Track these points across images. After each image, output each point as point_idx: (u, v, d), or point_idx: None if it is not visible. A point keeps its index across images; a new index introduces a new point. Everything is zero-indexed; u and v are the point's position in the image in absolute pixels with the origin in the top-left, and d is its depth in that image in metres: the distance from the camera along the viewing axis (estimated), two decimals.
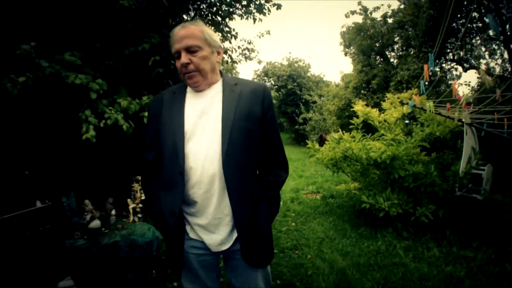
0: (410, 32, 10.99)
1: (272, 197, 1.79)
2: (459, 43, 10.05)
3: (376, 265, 3.83)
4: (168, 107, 1.70)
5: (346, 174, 6.08)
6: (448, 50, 10.70)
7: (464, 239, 4.44)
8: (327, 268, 3.70)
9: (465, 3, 8.79)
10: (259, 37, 5.85)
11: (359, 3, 13.24)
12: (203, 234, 1.67)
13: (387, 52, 13.23)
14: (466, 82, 12.30)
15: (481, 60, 10.86)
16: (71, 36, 3.29)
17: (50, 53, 3.00)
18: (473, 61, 11.17)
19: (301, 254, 4.19)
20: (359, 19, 15.10)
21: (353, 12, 13.35)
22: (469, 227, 4.64)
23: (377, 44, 13.00)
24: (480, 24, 9.72)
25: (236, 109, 1.64)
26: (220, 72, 1.78)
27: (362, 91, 13.25)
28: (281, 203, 6.13)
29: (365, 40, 13.04)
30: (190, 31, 1.61)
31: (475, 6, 8.71)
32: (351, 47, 14.24)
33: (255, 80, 26.09)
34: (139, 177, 3.55)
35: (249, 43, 5.70)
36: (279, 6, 5.10)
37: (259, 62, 6.42)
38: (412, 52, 9.53)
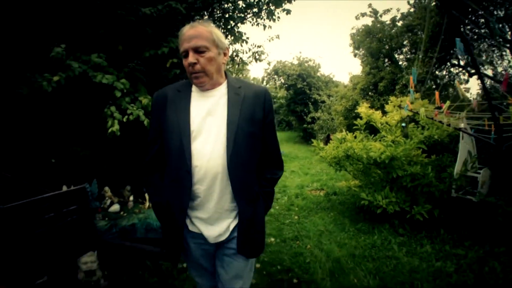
0: (418, 36, 11.11)
1: (268, 193, 1.91)
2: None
3: (370, 257, 4.08)
4: (173, 105, 1.74)
5: (348, 172, 6.36)
6: (455, 56, 10.83)
7: (458, 238, 4.61)
8: (324, 257, 4.00)
9: (470, 9, 8.94)
10: (269, 41, 6.16)
11: (370, 5, 13.37)
12: (203, 227, 1.76)
13: (396, 55, 13.32)
14: (465, 88, 12.27)
15: (485, 66, 10.89)
16: (97, 39, 3.65)
17: (77, 54, 3.36)
18: (481, 67, 11.22)
19: (301, 244, 4.50)
20: (369, 21, 15.18)
21: (363, 14, 13.41)
22: (463, 227, 4.81)
23: (386, 47, 13.12)
24: (487, 30, 9.80)
25: (240, 112, 1.72)
26: (225, 73, 1.84)
27: (369, 93, 13.39)
28: (286, 198, 6.47)
29: (374, 43, 13.16)
30: (199, 31, 1.65)
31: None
32: (360, 49, 14.38)
33: (265, 78, 26.31)
34: None
35: (259, 47, 6.02)
36: (288, 11, 5.41)
37: (269, 63, 6.75)
38: (421, 57, 9.69)
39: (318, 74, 24.29)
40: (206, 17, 4.76)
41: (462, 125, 3.89)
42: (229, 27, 5.06)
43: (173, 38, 3.81)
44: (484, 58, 10.82)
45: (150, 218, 3.49)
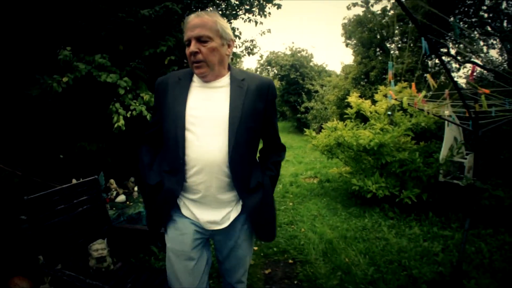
0: (408, 26, 11.30)
1: (273, 177, 1.91)
2: (452, 38, 10.40)
3: (361, 238, 4.33)
4: (172, 93, 1.72)
5: (340, 159, 6.63)
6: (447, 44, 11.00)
7: (445, 220, 4.85)
8: (317, 239, 4.27)
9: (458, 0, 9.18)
10: (261, 35, 6.39)
11: None
12: (198, 212, 1.72)
13: (387, 44, 13.48)
14: (459, 75, 12.44)
15: (477, 54, 11.07)
16: (99, 40, 3.88)
17: (81, 55, 3.59)
18: (471, 55, 11.37)
19: (296, 228, 4.77)
20: (360, 11, 15.29)
21: (354, 4, 13.48)
22: (451, 211, 5.05)
23: (378, 36, 13.29)
24: (476, 19, 9.98)
25: (242, 107, 1.67)
26: (229, 65, 1.80)
27: (361, 82, 13.58)
28: (280, 186, 6.73)
29: (365, 33, 13.33)
30: (204, 20, 1.61)
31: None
32: (352, 39, 14.54)
33: (258, 69, 26.41)
34: None
35: (252, 41, 6.25)
36: (279, 6, 5.64)
37: (261, 56, 6.97)
38: (412, 45, 9.91)
39: (311, 64, 24.40)
40: None
41: (447, 113, 4.12)
42: None
43: (170, 37, 4.05)
44: (475, 46, 11.01)
45: None
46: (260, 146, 1.97)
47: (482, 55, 10.70)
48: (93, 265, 2.92)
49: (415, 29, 9.67)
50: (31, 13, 3.63)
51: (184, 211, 1.75)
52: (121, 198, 3.87)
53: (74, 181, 3.49)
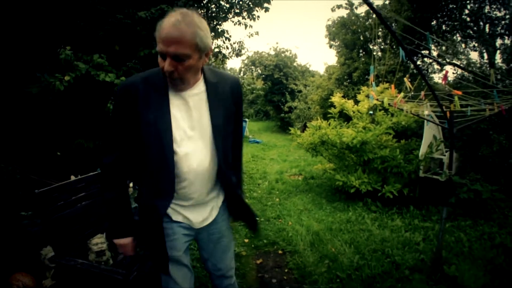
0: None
1: (241, 176, 2.01)
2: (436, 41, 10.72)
3: (346, 230, 4.55)
4: (149, 104, 1.54)
5: (324, 157, 6.88)
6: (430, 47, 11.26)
7: (426, 213, 5.11)
8: (304, 231, 4.49)
9: (443, 3, 9.50)
10: (249, 37, 6.61)
11: None
12: (188, 213, 1.73)
13: (371, 46, 13.74)
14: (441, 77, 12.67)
15: (459, 56, 11.34)
16: (96, 40, 4.03)
17: (79, 54, 3.74)
18: (459, 56, 11.58)
19: (283, 221, 4.97)
20: (345, 13, 15.51)
21: (339, 6, 13.58)
22: (431, 204, 5.32)
23: (361, 38, 13.56)
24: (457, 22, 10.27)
25: (223, 113, 1.66)
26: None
27: (344, 83, 13.85)
28: (266, 183, 6.93)
29: (349, 35, 13.60)
30: (182, 33, 1.38)
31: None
32: (336, 40, 14.80)
33: (242, 68, 26.55)
34: None
35: (240, 43, 6.46)
36: (267, 9, 5.87)
37: (247, 57, 7.19)
38: (394, 48, 10.19)
39: (295, 64, 24.58)
40: None
41: (426, 112, 4.35)
42: (212, 25, 5.49)
43: None
44: (459, 49, 11.30)
45: None
46: None
47: (462, 57, 11.01)
48: (93, 259, 3.00)
49: (398, 30, 10.02)
50: (30, 13, 3.76)
51: (174, 216, 1.71)
52: None
53: (72, 177, 3.60)
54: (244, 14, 5.66)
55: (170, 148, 1.54)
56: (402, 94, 3.68)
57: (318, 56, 66.60)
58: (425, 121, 5.28)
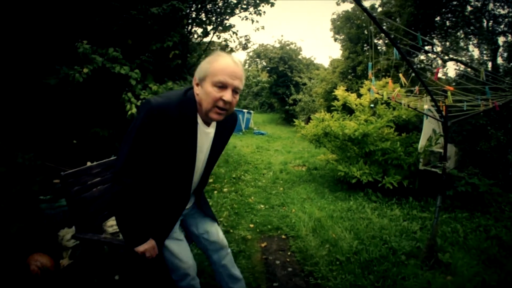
0: (396, 23, 11.66)
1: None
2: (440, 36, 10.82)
3: (347, 218, 4.74)
4: (181, 133, 1.72)
5: (327, 148, 7.08)
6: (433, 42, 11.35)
7: (424, 205, 5.28)
8: (307, 217, 4.69)
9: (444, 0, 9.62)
10: (255, 31, 6.80)
11: None
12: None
13: (375, 40, 13.83)
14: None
15: (463, 52, 11.38)
16: (110, 34, 4.25)
17: (94, 47, 3.95)
18: (461, 53, 11.62)
19: (287, 209, 5.20)
20: (349, 7, 15.50)
21: (344, 0, 13.70)
22: (430, 196, 5.47)
23: (365, 32, 13.64)
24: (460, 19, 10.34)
25: (220, 149, 2.06)
26: None
27: (348, 76, 13.98)
28: (271, 173, 7.16)
29: (353, 29, 13.71)
30: (241, 72, 1.69)
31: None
32: (340, 34, 14.90)
33: (248, 61, 26.66)
34: None
35: (246, 36, 6.67)
36: (272, 4, 6.06)
37: (254, 50, 7.37)
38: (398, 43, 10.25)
39: (300, 57, 24.67)
40: (202, 13, 5.38)
41: (426, 107, 4.49)
42: (219, 20, 5.69)
43: (175, 33, 4.44)
44: (461, 45, 11.36)
45: None
46: None
47: (463, 53, 11.11)
48: None
49: (400, 27, 10.13)
50: (48, 9, 3.97)
51: None
52: None
53: (89, 163, 3.82)
54: (251, 9, 5.85)
55: (192, 173, 1.91)
56: (398, 88, 3.87)
57: (323, 50, 66.52)
58: (425, 116, 5.42)
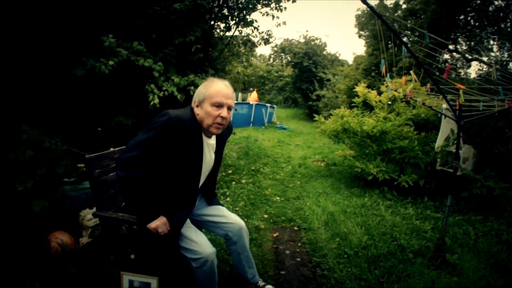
0: (418, 21, 11.54)
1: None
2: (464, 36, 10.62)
3: (360, 214, 4.81)
4: (193, 142, 2.12)
5: (346, 144, 7.16)
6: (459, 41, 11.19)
7: (439, 205, 5.24)
8: (320, 211, 4.80)
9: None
10: (277, 26, 6.90)
11: None
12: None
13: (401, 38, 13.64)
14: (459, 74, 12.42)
15: (486, 52, 11.15)
16: (135, 29, 4.45)
17: (119, 41, 4.15)
18: (481, 53, 11.39)
19: (302, 202, 5.32)
20: (374, 3, 15.26)
21: None
22: (445, 197, 5.14)
23: (396, 25, 13.52)
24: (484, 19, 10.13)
25: (222, 150, 2.47)
26: None
27: (372, 73, 13.95)
28: (290, 167, 7.28)
29: (377, 26, 13.64)
30: (232, 93, 2.14)
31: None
32: (365, 30, 14.85)
33: (272, 55, 26.76)
34: None
35: (268, 31, 6.78)
36: (294, 0, 6.15)
37: (276, 46, 7.46)
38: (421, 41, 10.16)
39: (324, 52, 24.64)
40: (225, 9, 5.53)
41: (444, 106, 4.48)
42: (241, 16, 5.82)
43: (197, 28, 4.60)
44: (485, 44, 11.13)
45: None
46: None
47: (488, 53, 10.90)
48: None
49: (424, 24, 10.02)
50: (76, 4, 4.19)
51: None
52: None
53: (111, 149, 4.04)
54: (272, 5, 5.95)
55: (198, 177, 2.29)
56: (411, 85, 3.90)
57: (349, 46, 65.89)
58: (443, 116, 5.41)
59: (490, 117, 5.97)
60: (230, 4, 5.70)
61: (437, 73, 6.43)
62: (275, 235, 4.13)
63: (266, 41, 6.89)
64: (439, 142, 5.61)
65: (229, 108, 2.13)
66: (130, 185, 2.06)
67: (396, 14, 12.90)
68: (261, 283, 2.79)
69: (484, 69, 10.51)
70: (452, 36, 10.77)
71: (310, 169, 7.68)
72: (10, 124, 3.49)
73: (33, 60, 4.05)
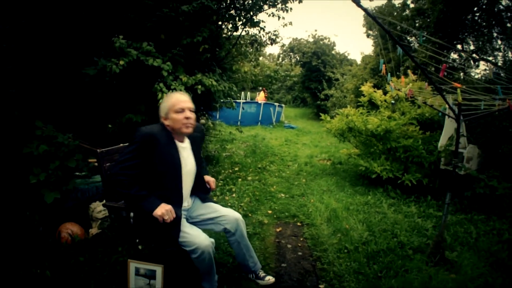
0: (426, 20, 11.55)
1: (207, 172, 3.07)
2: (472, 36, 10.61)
3: (362, 211, 4.89)
4: (166, 149, 2.44)
5: (351, 143, 7.26)
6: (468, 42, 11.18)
7: (442, 204, 5.15)
8: (324, 207, 4.90)
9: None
10: (283, 26, 7.01)
11: None
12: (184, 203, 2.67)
13: (409, 37, 13.70)
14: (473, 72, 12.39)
15: (495, 52, 11.09)
16: (145, 30, 4.61)
17: (129, 42, 4.31)
18: (487, 54, 11.34)
19: (306, 199, 5.45)
20: (382, 2, 15.37)
21: None
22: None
23: (398, 28, 13.56)
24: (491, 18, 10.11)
25: (198, 154, 2.72)
26: None
27: (379, 73, 13.99)
28: (296, 165, 7.40)
29: (385, 25, 13.68)
30: (189, 99, 2.54)
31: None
32: (373, 30, 14.89)
33: (281, 55, 26.84)
34: None
35: (275, 31, 6.92)
36: (300, 0, 6.26)
37: (283, 45, 7.57)
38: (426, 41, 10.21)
39: (333, 52, 24.68)
40: (232, 10, 5.67)
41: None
42: (248, 16, 5.96)
43: (205, 29, 4.75)
44: (493, 44, 11.09)
45: None
46: None
47: (495, 53, 10.88)
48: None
49: (431, 24, 10.05)
50: (87, 6, 4.36)
51: None
52: None
53: (121, 145, 4.20)
54: (278, 6, 6.07)
55: (180, 176, 2.54)
56: (410, 84, 3.99)
57: (358, 45, 65.70)
58: (445, 114, 5.46)
59: (495, 117, 6.02)
60: (237, 5, 5.83)
61: (445, 73, 6.46)
62: (278, 230, 4.25)
63: (273, 41, 7.03)
64: (443, 141, 5.65)
65: (190, 110, 2.50)
66: (126, 183, 2.35)
67: (404, 14, 12.93)
68: (262, 273, 2.97)
69: (489, 69, 10.49)
70: (460, 36, 10.76)
71: (316, 167, 7.81)
72: (24, 121, 3.66)
73: (47, 60, 4.22)
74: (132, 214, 2.63)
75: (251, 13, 5.91)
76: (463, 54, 11.62)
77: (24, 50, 4.01)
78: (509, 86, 3.51)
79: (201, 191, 2.90)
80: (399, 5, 13.16)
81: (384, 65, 3.46)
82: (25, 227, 3.42)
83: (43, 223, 3.53)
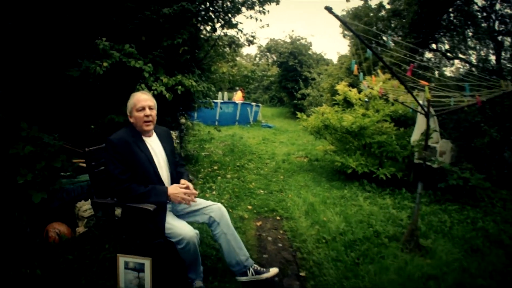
0: (402, 21, 11.82)
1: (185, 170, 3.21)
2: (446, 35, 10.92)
3: (339, 204, 5.09)
4: (137, 146, 2.66)
5: (327, 140, 7.49)
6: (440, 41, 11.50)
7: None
8: (301, 202, 5.11)
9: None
10: (261, 28, 7.20)
11: None
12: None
13: (384, 37, 13.90)
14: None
15: (470, 52, 11.37)
16: (126, 32, 4.72)
17: (111, 44, 4.41)
18: (461, 53, 11.64)
19: (284, 194, 5.64)
20: (359, 3, 15.64)
21: None
22: (423, 189, 5.66)
23: (374, 28, 13.84)
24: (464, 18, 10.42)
25: (169, 149, 2.94)
26: None
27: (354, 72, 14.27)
28: (273, 163, 7.62)
29: (361, 26, 14.01)
30: (149, 97, 2.76)
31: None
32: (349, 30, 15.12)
33: (258, 55, 27.01)
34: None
35: (252, 34, 7.10)
36: (277, 2, 6.47)
37: (260, 46, 7.74)
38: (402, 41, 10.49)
39: (310, 52, 24.92)
40: (210, 13, 5.81)
41: (421, 101, 4.77)
42: (226, 18, 6.12)
43: (185, 31, 4.89)
44: (469, 44, 11.42)
45: None
46: None
47: (467, 51, 11.22)
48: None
49: (405, 25, 10.33)
50: (70, 8, 4.44)
51: None
52: None
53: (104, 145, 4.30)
54: (256, 8, 6.25)
55: (156, 169, 2.75)
56: (380, 83, 4.21)
57: (334, 46, 66.53)
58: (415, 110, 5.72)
59: (468, 113, 6.33)
60: (216, 7, 5.99)
61: (420, 72, 6.74)
62: (258, 224, 4.43)
63: (250, 42, 7.20)
64: (416, 136, 5.90)
65: (150, 108, 2.72)
66: (133, 187, 2.57)
67: (380, 15, 13.20)
68: (258, 267, 3.01)
69: (465, 68, 10.81)
70: (436, 36, 11.07)
71: (293, 164, 8.01)
72: (9, 122, 3.72)
73: (31, 61, 4.28)
74: (120, 210, 2.77)
75: (229, 15, 6.07)
76: (437, 53, 11.96)
77: (8, 51, 4.06)
78: (479, 83, 3.74)
79: (179, 179, 3.05)
80: (375, 6, 13.44)
81: (356, 66, 3.63)
82: (14, 228, 3.48)
83: (30, 224, 3.59)
